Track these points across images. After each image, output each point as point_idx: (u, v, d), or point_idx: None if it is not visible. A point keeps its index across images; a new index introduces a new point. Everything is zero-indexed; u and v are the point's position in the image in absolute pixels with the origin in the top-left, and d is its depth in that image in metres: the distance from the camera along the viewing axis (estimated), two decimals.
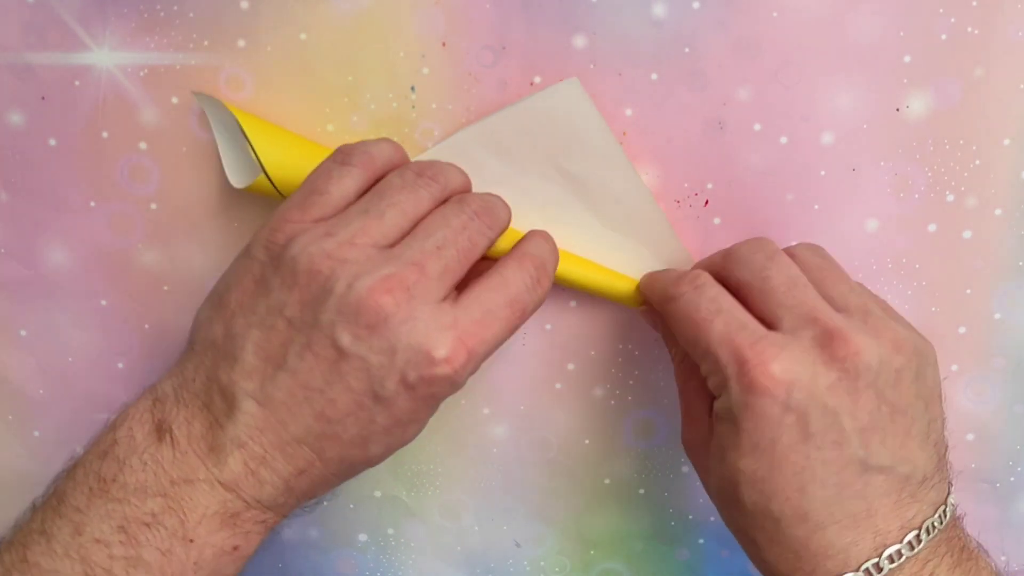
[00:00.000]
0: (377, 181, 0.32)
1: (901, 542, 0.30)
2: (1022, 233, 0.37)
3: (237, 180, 0.35)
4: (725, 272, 0.33)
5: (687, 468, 0.41)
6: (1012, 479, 0.41)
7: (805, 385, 0.29)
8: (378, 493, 0.42)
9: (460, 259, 0.30)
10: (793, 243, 0.37)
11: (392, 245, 0.30)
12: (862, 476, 0.30)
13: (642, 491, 0.41)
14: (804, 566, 0.30)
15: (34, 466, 0.41)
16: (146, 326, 0.39)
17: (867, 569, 0.30)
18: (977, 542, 0.32)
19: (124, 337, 0.39)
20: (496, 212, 0.32)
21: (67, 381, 0.40)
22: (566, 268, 0.35)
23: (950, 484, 0.32)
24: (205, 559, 0.29)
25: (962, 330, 0.38)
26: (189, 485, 0.29)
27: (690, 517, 0.42)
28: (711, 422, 0.32)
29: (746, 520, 0.31)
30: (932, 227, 0.37)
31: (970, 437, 0.40)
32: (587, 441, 0.41)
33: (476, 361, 0.30)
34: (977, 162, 0.36)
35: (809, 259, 0.33)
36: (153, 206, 0.37)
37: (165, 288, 0.39)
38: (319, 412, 0.29)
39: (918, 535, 0.30)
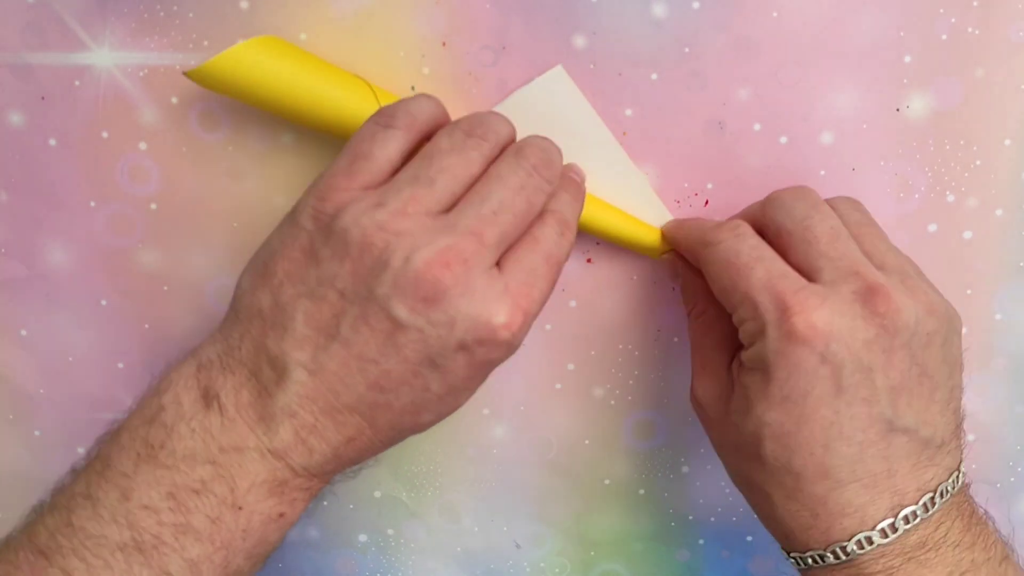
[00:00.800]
0: (423, 141, 0.31)
1: (917, 503, 0.30)
2: (1023, 234, 0.37)
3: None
4: (765, 219, 0.33)
5: (687, 468, 0.41)
6: (1012, 479, 0.41)
7: (844, 338, 0.29)
8: (378, 493, 0.42)
9: (517, 223, 0.30)
10: None
11: (446, 210, 0.30)
12: (886, 436, 0.30)
13: (642, 491, 0.41)
14: (819, 524, 0.30)
15: (34, 466, 0.41)
16: (146, 326, 0.39)
17: (882, 529, 0.30)
18: (984, 510, 0.33)
19: (124, 337, 0.39)
20: (554, 163, 0.32)
21: (67, 381, 0.40)
22: (589, 214, 0.35)
23: (963, 452, 0.32)
24: (253, 526, 0.29)
25: (963, 331, 0.38)
26: (238, 453, 0.29)
27: (690, 518, 0.42)
28: (731, 377, 0.33)
29: (764, 475, 0.31)
30: (932, 227, 0.37)
31: (971, 438, 0.40)
32: (587, 441, 0.41)
33: (530, 322, 0.30)
34: (978, 162, 0.36)
35: (849, 214, 0.33)
36: (153, 206, 0.37)
37: (165, 288, 0.39)
38: (373, 382, 0.29)
39: (932, 498, 0.30)
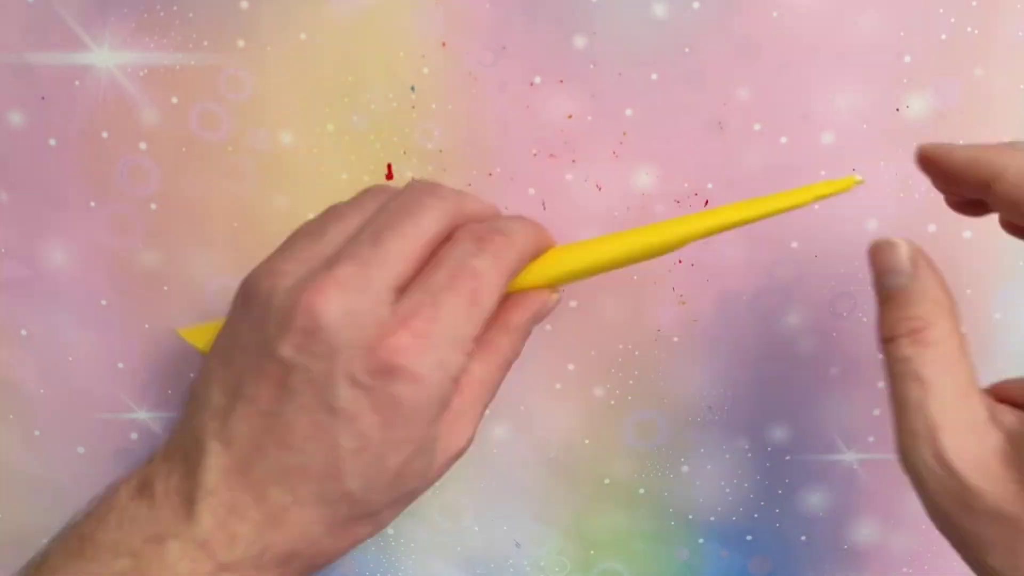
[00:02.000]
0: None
1: None
2: None
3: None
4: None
5: (687, 468, 0.41)
6: None
7: None
8: None
9: (412, 247, 0.28)
10: (793, 245, 0.37)
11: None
12: None
13: (642, 491, 0.41)
14: None
15: (34, 466, 0.41)
16: (146, 326, 0.39)
17: None
18: None
19: (124, 337, 0.39)
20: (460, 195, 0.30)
21: (67, 381, 0.40)
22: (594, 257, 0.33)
23: None
24: None
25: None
26: (159, 544, 0.26)
27: (690, 517, 0.42)
28: (999, 426, 0.26)
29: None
30: (932, 227, 0.37)
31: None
32: (587, 441, 0.41)
33: (440, 347, 0.27)
34: None
35: None
36: (153, 206, 0.37)
37: (165, 288, 0.39)
38: (279, 439, 0.26)
39: None
